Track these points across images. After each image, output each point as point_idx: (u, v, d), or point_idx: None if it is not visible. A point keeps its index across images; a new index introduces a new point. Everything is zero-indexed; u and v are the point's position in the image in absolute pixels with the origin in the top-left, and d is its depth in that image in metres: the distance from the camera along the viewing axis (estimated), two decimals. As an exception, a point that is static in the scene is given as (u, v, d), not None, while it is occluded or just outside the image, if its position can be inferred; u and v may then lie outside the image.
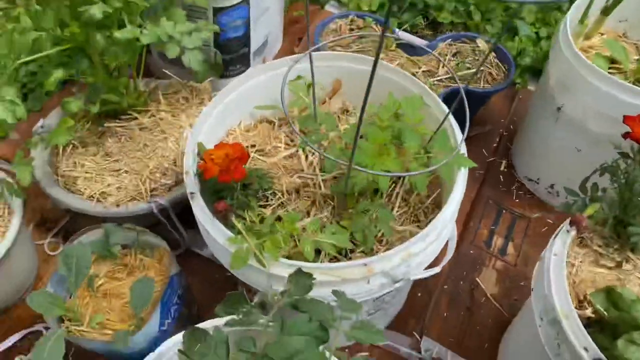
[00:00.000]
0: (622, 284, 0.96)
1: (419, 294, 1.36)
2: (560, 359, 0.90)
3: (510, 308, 1.32)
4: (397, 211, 1.08)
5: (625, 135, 0.89)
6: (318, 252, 0.97)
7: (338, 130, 1.10)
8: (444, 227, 0.95)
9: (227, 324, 0.72)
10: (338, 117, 1.23)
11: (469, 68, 1.62)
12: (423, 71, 1.62)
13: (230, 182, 0.90)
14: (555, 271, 0.94)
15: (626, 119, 0.90)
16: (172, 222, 1.26)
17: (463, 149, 1.03)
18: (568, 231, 0.99)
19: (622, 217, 0.98)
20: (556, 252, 0.97)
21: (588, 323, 0.92)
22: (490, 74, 1.62)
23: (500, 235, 1.47)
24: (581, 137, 1.32)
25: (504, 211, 1.52)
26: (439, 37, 1.68)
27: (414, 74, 1.59)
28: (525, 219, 1.50)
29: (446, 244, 1.04)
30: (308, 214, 1.06)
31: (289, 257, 0.91)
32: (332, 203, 1.07)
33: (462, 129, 0.93)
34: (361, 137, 0.94)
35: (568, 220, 0.99)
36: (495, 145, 1.68)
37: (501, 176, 1.60)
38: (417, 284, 1.37)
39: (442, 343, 1.26)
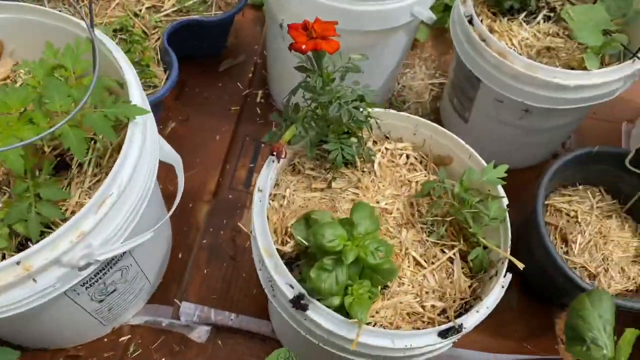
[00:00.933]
0: (334, 205, 0.92)
1: (180, 256, 1.24)
2: (277, 300, 0.84)
3: (275, 245, 1.26)
4: (91, 181, 0.92)
5: (290, 47, 0.80)
6: None
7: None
8: (120, 193, 0.81)
9: None
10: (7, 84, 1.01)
11: (198, -4, 1.45)
12: (147, 7, 1.42)
13: None
14: (257, 208, 0.86)
15: (290, 29, 0.80)
16: None
17: (137, 98, 0.87)
18: (273, 161, 0.91)
19: (321, 136, 0.91)
20: (261, 187, 0.89)
21: (297, 256, 0.86)
22: (222, -1, 1.47)
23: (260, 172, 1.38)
24: (309, 53, 1.24)
25: (262, 145, 1.43)
26: (159, -34, 1.47)
27: (136, 14, 1.40)
28: (286, 148, 1.43)
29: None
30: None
31: None
32: None
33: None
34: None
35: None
36: (250, 75, 1.56)
37: (258, 108, 1.50)
38: (178, 245, 1.26)
39: (205, 302, 1.17)
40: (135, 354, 1.13)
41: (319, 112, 0.89)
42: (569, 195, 1.21)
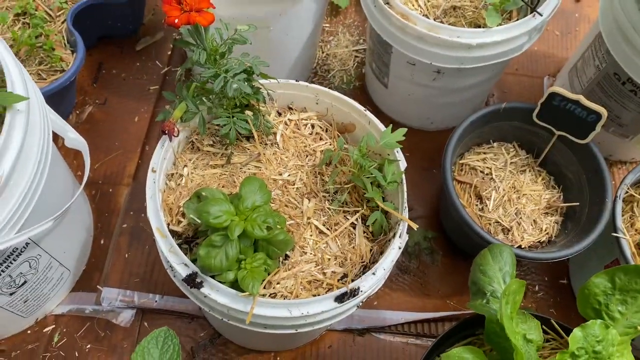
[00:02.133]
0: (232, 180, 0.91)
1: (102, 242, 1.23)
2: (177, 280, 0.84)
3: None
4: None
5: (164, 22, 0.78)
6: None
7: None
8: (6, 182, 0.79)
9: None
10: None
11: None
12: (49, -11, 1.37)
13: None
14: (150, 189, 0.85)
15: (163, 3, 0.78)
16: None
17: (19, 86, 0.84)
18: (166, 141, 0.90)
19: (213, 112, 0.90)
20: (154, 167, 0.87)
21: (195, 234, 0.86)
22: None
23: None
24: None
25: (183, 124, 1.40)
26: (62, -57, 1.41)
27: (39, -5, 1.34)
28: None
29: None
30: None
31: None
32: None
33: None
34: None
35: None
36: (169, 53, 1.52)
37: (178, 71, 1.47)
38: (100, 231, 1.24)
39: (127, 286, 1.16)
40: (61, 342, 1.12)
41: (208, 87, 0.88)
42: (484, 153, 1.23)
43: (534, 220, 1.15)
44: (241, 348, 1.14)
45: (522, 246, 1.13)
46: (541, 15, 1.09)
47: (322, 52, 1.57)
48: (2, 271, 0.92)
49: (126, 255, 1.20)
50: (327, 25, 1.62)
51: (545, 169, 1.23)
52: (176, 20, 0.76)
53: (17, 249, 0.92)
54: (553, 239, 1.16)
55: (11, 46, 1.25)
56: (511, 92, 1.55)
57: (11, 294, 0.99)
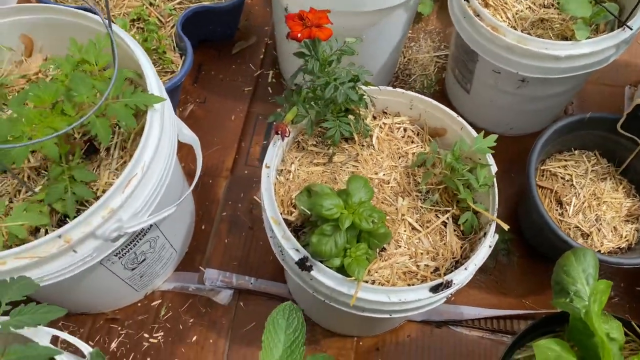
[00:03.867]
0: (334, 177, 1.01)
1: (203, 227, 1.36)
2: (286, 264, 0.94)
3: (289, 216, 1.36)
4: (118, 162, 1.03)
5: (288, 36, 0.88)
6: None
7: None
8: (144, 174, 0.91)
9: None
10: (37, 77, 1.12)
11: (208, -18, 1.53)
12: (162, -3, 1.51)
13: None
14: (265, 183, 0.96)
15: (287, 19, 0.88)
16: None
17: (154, 87, 0.97)
18: (278, 140, 1.00)
19: (321, 115, 0.99)
20: (268, 163, 0.98)
21: (303, 224, 0.96)
22: (232, -16, 1.54)
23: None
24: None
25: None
26: (172, -45, 1.55)
27: (151, 3, 1.49)
28: (298, 124, 1.52)
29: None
30: None
31: None
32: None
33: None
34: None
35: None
36: (262, 57, 1.64)
37: (269, 88, 1.59)
38: (201, 218, 1.37)
39: (226, 268, 1.28)
40: (167, 316, 1.26)
41: (318, 94, 0.98)
42: (565, 160, 1.27)
43: (614, 227, 1.19)
44: (326, 331, 1.24)
45: (602, 251, 1.17)
46: (631, 29, 1.12)
47: (404, 57, 1.65)
48: (130, 249, 1.06)
49: (225, 240, 1.32)
50: (410, 31, 1.69)
51: (626, 178, 1.26)
52: (299, 35, 0.86)
53: (143, 229, 1.05)
54: (633, 246, 1.19)
55: (130, 49, 1.40)
56: (591, 101, 1.57)
57: (133, 269, 1.13)
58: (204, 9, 1.46)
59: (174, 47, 1.44)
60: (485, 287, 1.29)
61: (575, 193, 1.22)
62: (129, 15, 1.45)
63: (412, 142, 1.09)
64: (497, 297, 1.28)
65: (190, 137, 1.20)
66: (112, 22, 1.42)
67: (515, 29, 1.22)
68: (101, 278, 1.08)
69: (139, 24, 1.46)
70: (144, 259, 1.14)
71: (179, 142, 1.17)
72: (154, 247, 1.15)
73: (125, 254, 1.05)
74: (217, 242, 1.32)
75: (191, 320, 1.25)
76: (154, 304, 1.27)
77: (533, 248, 1.32)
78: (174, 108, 1.54)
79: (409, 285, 0.92)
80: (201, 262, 1.31)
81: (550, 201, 1.23)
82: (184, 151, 1.46)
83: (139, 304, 1.27)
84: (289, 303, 0.75)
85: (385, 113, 1.11)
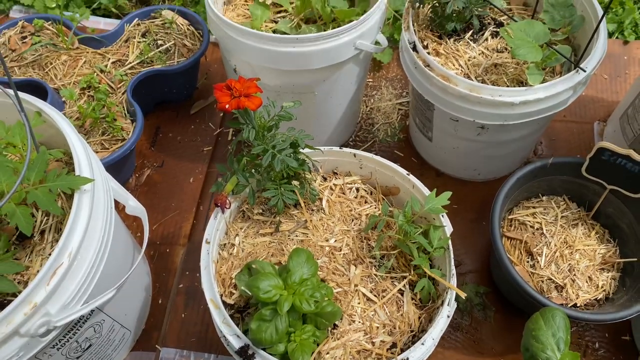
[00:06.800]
0: (281, 248, 0.94)
1: (160, 301, 1.28)
2: (230, 349, 0.87)
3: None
4: (52, 247, 0.97)
5: (217, 107, 0.83)
6: None
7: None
8: (72, 262, 0.85)
9: None
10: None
11: (161, 45, 1.50)
12: (113, 62, 1.48)
13: None
14: (204, 260, 0.90)
15: (214, 90, 0.84)
16: None
17: (86, 168, 0.91)
18: (219, 212, 0.94)
19: (262, 184, 0.94)
20: (208, 239, 0.92)
21: (247, 304, 0.89)
22: (184, 45, 1.52)
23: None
24: (265, 93, 1.28)
25: (235, 183, 1.46)
26: (123, 19, 1.53)
27: (102, 69, 1.45)
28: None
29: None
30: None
31: None
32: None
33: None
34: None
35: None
36: (222, 115, 1.60)
37: (230, 147, 1.54)
38: (158, 291, 1.30)
39: (184, 346, 1.20)
40: (122, 402, 1.17)
41: (257, 162, 0.92)
42: (533, 207, 1.21)
43: (589, 277, 1.12)
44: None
45: (578, 304, 1.10)
46: (584, 71, 1.09)
47: (366, 107, 1.61)
48: (70, 338, 0.98)
49: (183, 315, 1.25)
50: (370, 80, 1.66)
51: (598, 222, 1.20)
52: (227, 106, 0.82)
53: (83, 316, 0.98)
54: (611, 295, 1.12)
55: (77, 119, 1.36)
56: (560, 139, 1.52)
57: (77, 358, 1.05)
58: (155, 73, 1.43)
59: (124, 114, 1.40)
60: (462, 347, 1.21)
61: (546, 242, 1.16)
62: (79, 84, 1.42)
63: (366, 202, 1.03)
64: (475, 358, 1.20)
65: (137, 208, 1.14)
66: (57, 92, 1.38)
67: (469, 77, 1.18)
68: (41, 372, 1.00)
69: (89, 91, 1.42)
70: (89, 345, 1.06)
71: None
72: (100, 331, 1.07)
73: (64, 344, 0.97)
74: (173, 318, 1.24)
75: (148, 405, 1.16)
76: (108, 389, 1.18)
77: (508, 301, 1.24)
78: (129, 175, 1.49)
79: (363, 365, 0.84)
80: (157, 340, 1.23)
81: (521, 252, 1.16)
82: (140, 220, 1.39)
83: (93, 390, 1.18)
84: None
85: (336, 173, 1.06)
